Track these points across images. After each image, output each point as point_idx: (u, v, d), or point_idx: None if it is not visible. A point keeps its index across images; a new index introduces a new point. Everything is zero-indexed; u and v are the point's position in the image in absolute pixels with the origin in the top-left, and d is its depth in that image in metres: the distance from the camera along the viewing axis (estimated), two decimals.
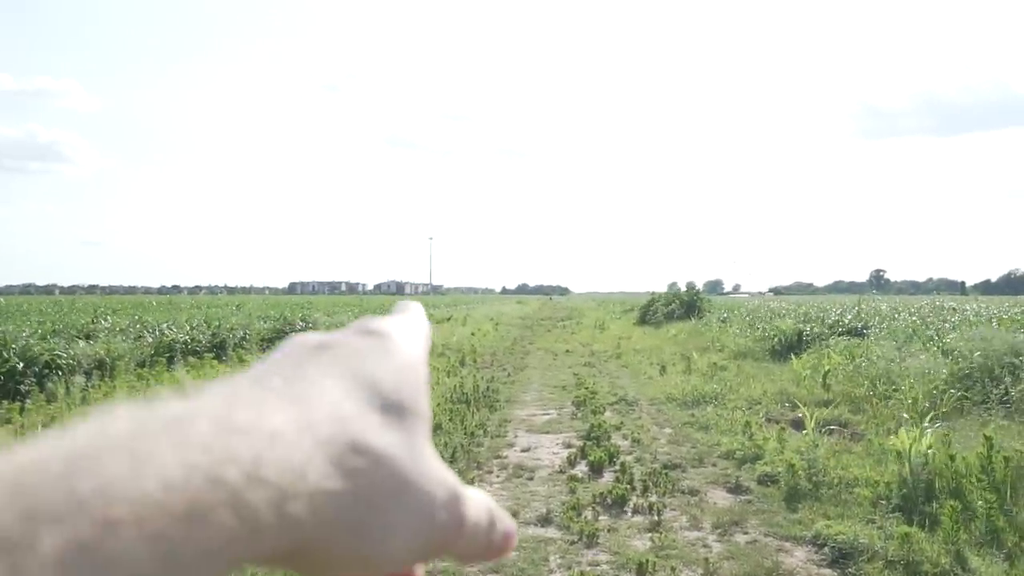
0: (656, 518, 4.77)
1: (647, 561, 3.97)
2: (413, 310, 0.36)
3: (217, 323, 15.96)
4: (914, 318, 17.52)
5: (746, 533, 4.56)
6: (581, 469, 5.94)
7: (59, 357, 9.95)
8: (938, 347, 10.70)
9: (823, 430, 6.77)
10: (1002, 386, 7.86)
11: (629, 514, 4.93)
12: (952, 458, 5.00)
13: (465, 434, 6.96)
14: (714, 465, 6.05)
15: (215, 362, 12.41)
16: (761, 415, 7.80)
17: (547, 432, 7.38)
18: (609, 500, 5.11)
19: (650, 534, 4.51)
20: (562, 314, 38.23)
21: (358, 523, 0.25)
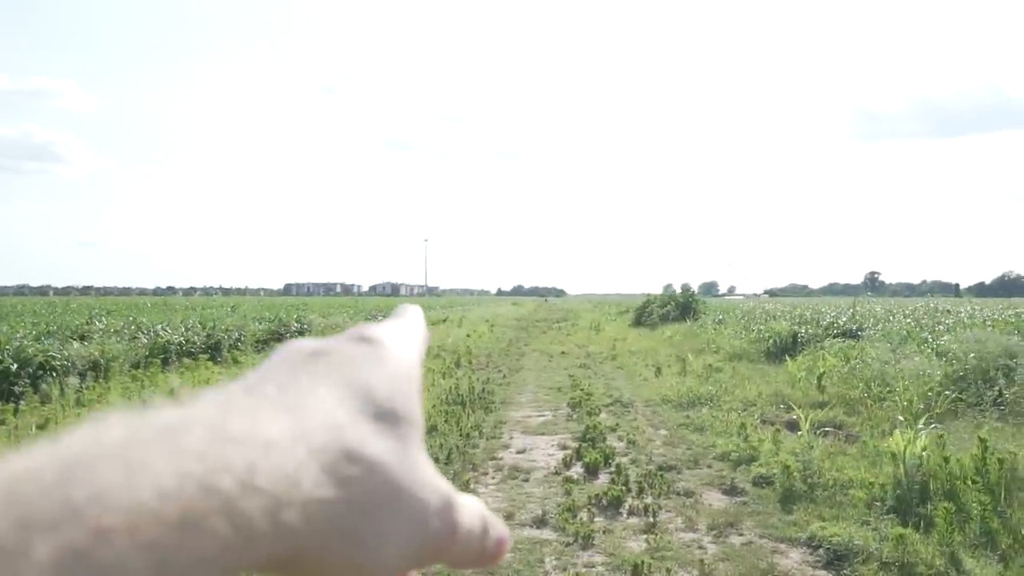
0: (651, 520, 4.78)
1: (642, 563, 3.97)
2: (412, 314, 0.36)
3: (212, 324, 15.92)
4: (909, 320, 17.58)
5: (741, 535, 4.57)
6: (576, 471, 5.94)
7: (53, 358, 9.92)
8: (932, 349, 10.73)
9: (818, 432, 6.78)
10: (996, 388, 7.89)
11: (624, 516, 4.93)
12: (946, 460, 5.01)
13: (460, 436, 6.95)
14: (709, 467, 6.06)
15: (210, 363, 12.38)
16: (756, 417, 7.81)
17: (542, 434, 7.38)
18: (604, 502, 5.11)
19: (645, 536, 4.52)
20: (557, 316, 38.26)
21: (352, 531, 0.25)
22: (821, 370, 9.83)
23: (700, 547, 4.36)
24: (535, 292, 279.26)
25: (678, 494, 5.33)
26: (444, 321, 25.63)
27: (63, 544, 0.19)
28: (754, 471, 5.71)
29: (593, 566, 4.10)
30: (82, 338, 12.60)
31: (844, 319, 16.43)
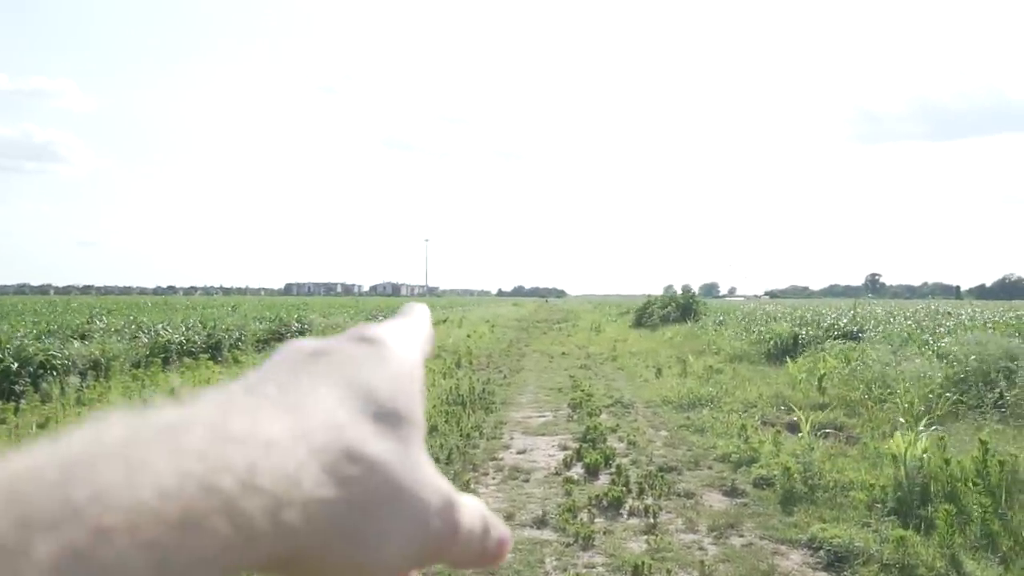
0: (652, 521, 4.77)
1: (643, 564, 3.97)
2: (417, 313, 0.36)
3: (212, 324, 15.93)
4: (909, 322, 17.57)
5: (742, 536, 4.56)
6: (577, 471, 5.94)
7: (54, 357, 9.92)
8: (933, 351, 10.73)
9: (818, 433, 6.78)
10: (997, 390, 7.89)
11: (625, 516, 4.93)
12: (947, 462, 5.01)
13: (461, 436, 6.95)
14: (710, 468, 6.06)
15: (210, 363, 12.39)
16: (757, 418, 7.81)
17: (543, 434, 7.38)
18: (605, 502, 5.11)
19: (646, 537, 4.51)
20: (558, 316, 38.26)
21: (352, 531, 0.25)
22: (822, 372, 9.82)
23: (700, 548, 4.36)
24: (536, 293, 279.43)
25: (679, 495, 5.33)
26: (445, 321, 25.63)
27: (64, 543, 0.19)
28: (755, 472, 5.71)
29: (593, 567, 4.10)
30: (83, 337, 12.60)
31: (845, 321, 16.41)
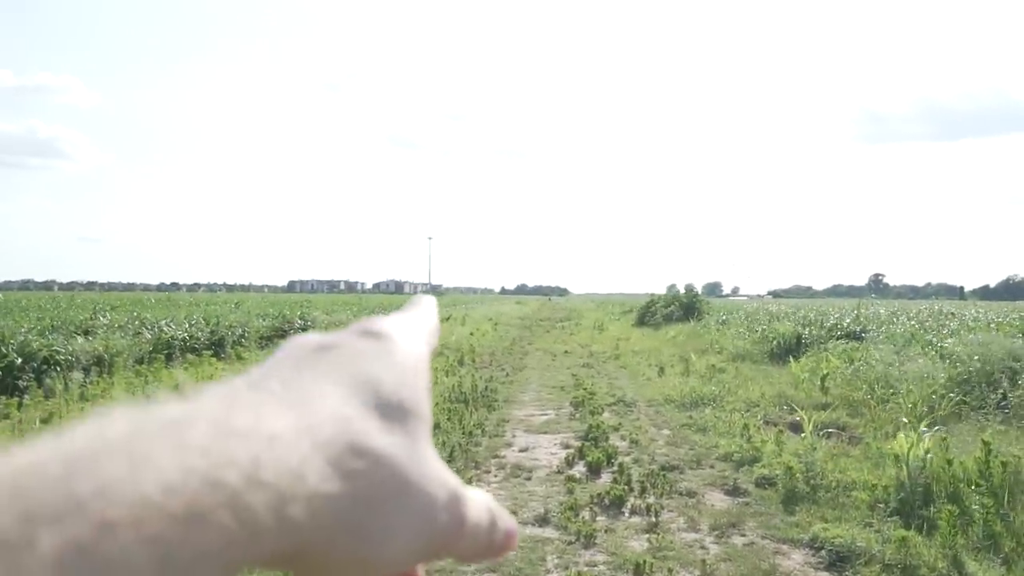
0: (653, 519, 4.77)
1: (644, 562, 3.97)
2: (424, 306, 0.36)
3: (216, 321, 15.98)
4: (913, 323, 17.54)
5: (743, 535, 4.56)
6: (579, 470, 5.94)
7: (57, 353, 9.95)
8: (936, 352, 10.71)
9: (821, 433, 6.77)
10: (1000, 391, 7.87)
11: (627, 515, 4.93)
12: (950, 462, 5.00)
13: (463, 433, 6.96)
14: (712, 467, 6.06)
15: (213, 359, 12.42)
16: (759, 418, 7.80)
17: (545, 432, 7.38)
18: (607, 501, 5.11)
19: (647, 535, 4.51)
20: (561, 315, 38.25)
21: (358, 525, 0.25)
22: (824, 372, 9.81)
23: (702, 547, 4.36)
24: (539, 291, 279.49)
25: (680, 494, 5.32)
26: (448, 319, 25.66)
27: (67, 537, 0.19)
28: (757, 472, 5.70)
29: (595, 565, 4.10)
30: (86, 333, 12.63)
31: (848, 321, 16.40)
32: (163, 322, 14.85)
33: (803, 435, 6.42)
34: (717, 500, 5.25)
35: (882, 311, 22.88)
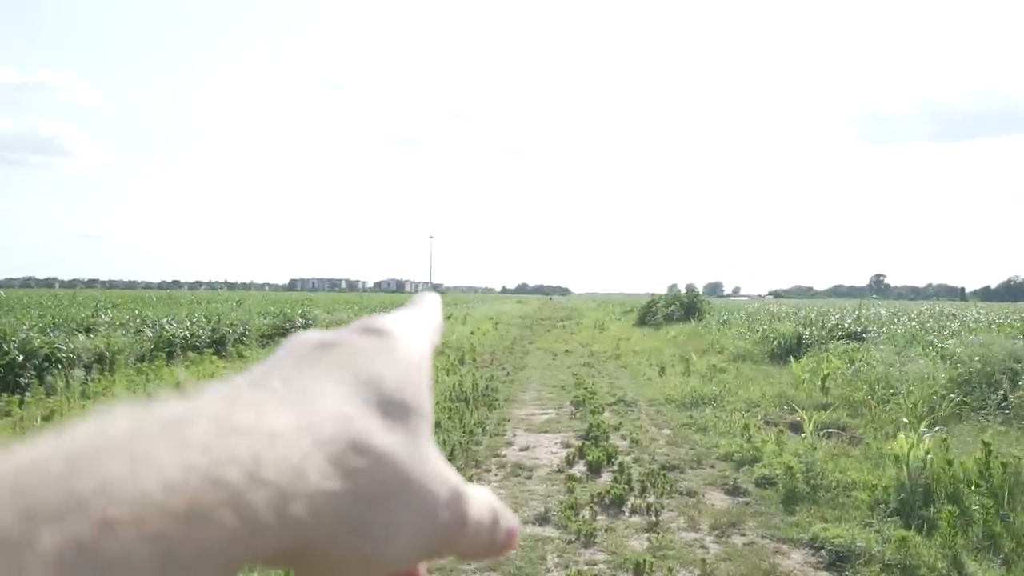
0: (654, 519, 4.77)
1: (644, 561, 3.97)
2: (428, 302, 0.36)
3: (217, 319, 15.97)
4: (913, 323, 17.54)
5: (743, 535, 4.56)
6: (579, 469, 5.95)
7: (59, 350, 9.95)
8: (937, 352, 10.70)
9: (821, 433, 6.76)
10: (1000, 392, 7.87)
11: (627, 514, 4.93)
12: (950, 463, 5.00)
13: (464, 432, 6.96)
14: (712, 467, 6.05)
15: (215, 357, 12.42)
16: (760, 418, 7.80)
17: (546, 431, 7.39)
18: (607, 500, 5.11)
19: (647, 534, 4.51)
20: (562, 314, 38.24)
21: (359, 523, 0.24)
22: (825, 372, 9.80)
23: (702, 547, 4.36)
24: (539, 290, 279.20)
25: (681, 494, 5.32)
26: (448, 318, 25.65)
27: (68, 536, 0.19)
28: (757, 472, 5.70)
29: (595, 564, 4.10)
30: (88, 331, 12.64)
31: (849, 321, 16.38)
32: (164, 320, 14.85)
33: (803, 435, 6.42)
34: (717, 500, 5.25)
35: (883, 312, 22.86)
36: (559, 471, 5.86)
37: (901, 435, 5.39)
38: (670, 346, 16.37)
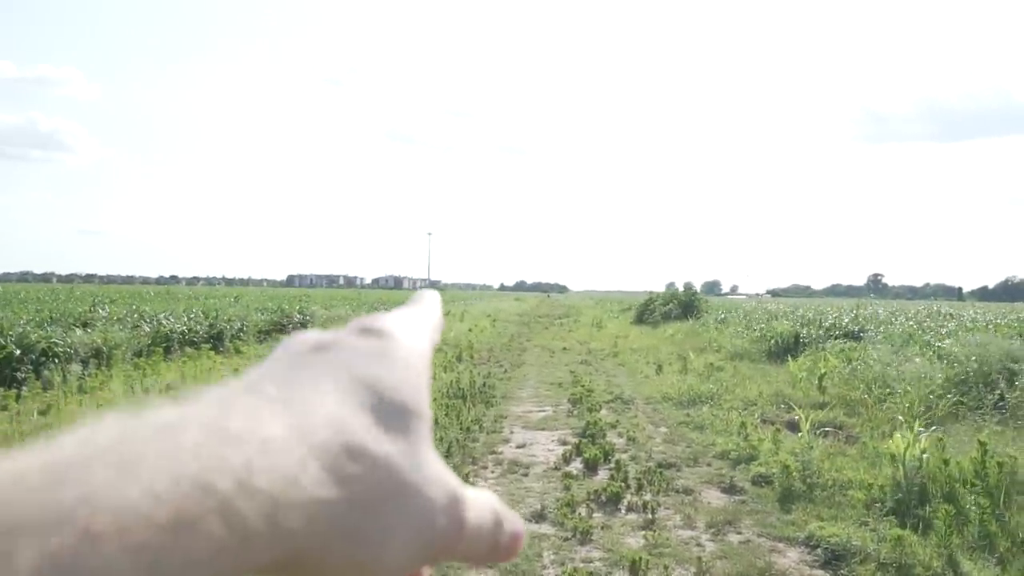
0: (650, 516, 4.78)
1: (640, 559, 3.97)
2: (428, 300, 0.36)
3: (215, 314, 15.94)
4: (911, 323, 17.54)
5: (739, 533, 4.57)
6: (576, 466, 5.95)
7: (56, 345, 9.93)
8: (934, 352, 10.71)
9: (818, 432, 6.77)
10: (997, 392, 7.87)
11: (623, 512, 4.93)
12: (946, 462, 5.01)
13: (461, 429, 6.96)
14: (709, 465, 6.06)
15: (212, 353, 12.39)
16: (756, 416, 7.80)
17: (543, 429, 7.39)
18: (603, 498, 5.11)
19: (644, 532, 4.52)
20: (560, 312, 38.23)
21: (354, 530, 0.24)
22: (822, 371, 9.81)
23: (698, 545, 4.36)
24: (538, 288, 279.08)
25: (677, 491, 5.33)
26: (447, 315, 25.51)
27: (47, 550, 0.18)
28: (753, 470, 5.71)
29: (591, 561, 4.10)
30: (85, 326, 12.60)
31: (846, 320, 16.40)
32: (162, 315, 14.81)
33: (800, 434, 6.42)
34: (714, 498, 5.25)
35: (880, 311, 22.85)
36: (556, 468, 5.86)
37: (897, 434, 5.39)
38: (667, 344, 16.37)
